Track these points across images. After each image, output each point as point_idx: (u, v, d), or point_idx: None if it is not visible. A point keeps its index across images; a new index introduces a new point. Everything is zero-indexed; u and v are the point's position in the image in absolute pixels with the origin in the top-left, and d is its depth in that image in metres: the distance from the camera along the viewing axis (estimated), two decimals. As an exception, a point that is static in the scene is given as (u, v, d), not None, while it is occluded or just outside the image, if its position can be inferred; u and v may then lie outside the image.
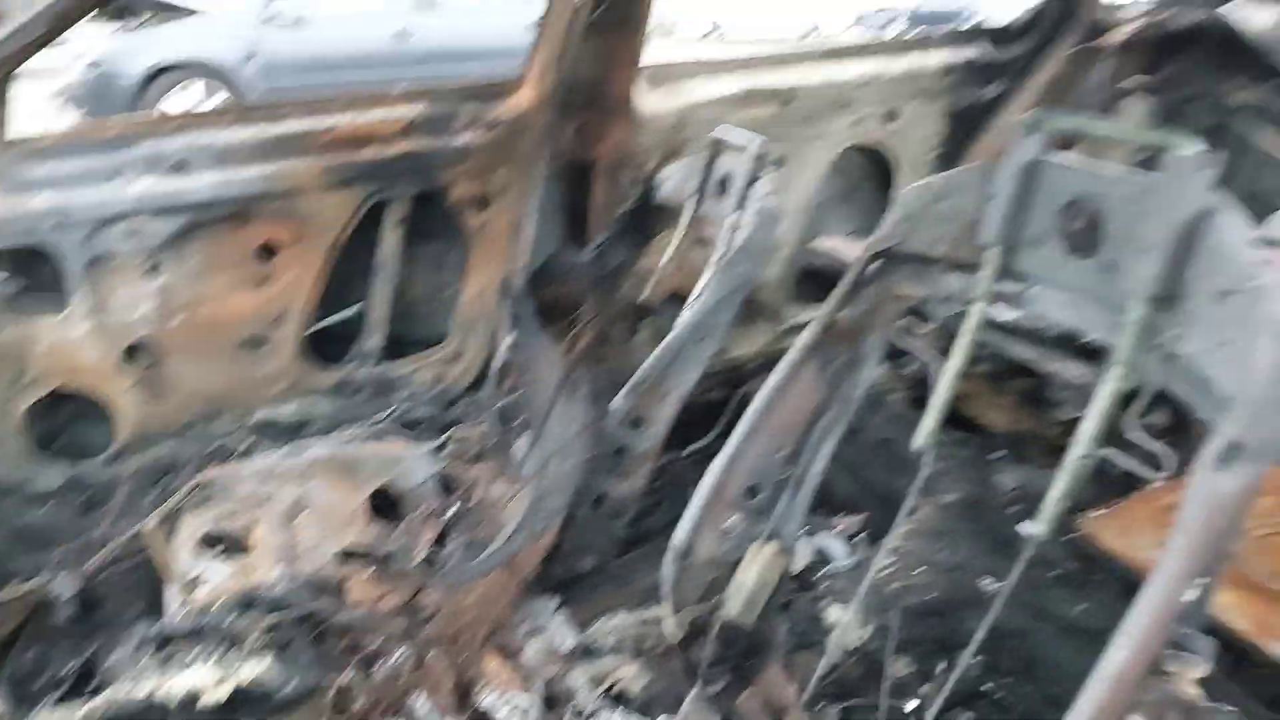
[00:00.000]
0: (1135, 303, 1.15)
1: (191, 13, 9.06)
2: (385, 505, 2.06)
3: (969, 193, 1.37)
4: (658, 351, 1.78)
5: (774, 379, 1.50)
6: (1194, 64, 2.85)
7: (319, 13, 8.84)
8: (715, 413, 2.05)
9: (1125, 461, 1.18)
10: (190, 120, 2.18)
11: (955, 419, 2.05)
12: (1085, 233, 1.22)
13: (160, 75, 8.36)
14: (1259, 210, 1.32)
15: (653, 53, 2.41)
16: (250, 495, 2.04)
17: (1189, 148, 1.12)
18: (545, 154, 2.38)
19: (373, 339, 2.40)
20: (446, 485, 2.12)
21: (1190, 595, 1.00)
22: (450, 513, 2.01)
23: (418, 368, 2.47)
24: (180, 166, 2.05)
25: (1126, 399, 1.22)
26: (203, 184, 2.07)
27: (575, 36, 2.27)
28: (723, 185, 2.01)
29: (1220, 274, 1.08)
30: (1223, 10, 2.80)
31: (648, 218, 2.23)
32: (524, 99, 2.37)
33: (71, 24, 1.83)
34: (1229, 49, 2.79)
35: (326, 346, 2.36)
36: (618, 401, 1.79)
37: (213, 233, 2.12)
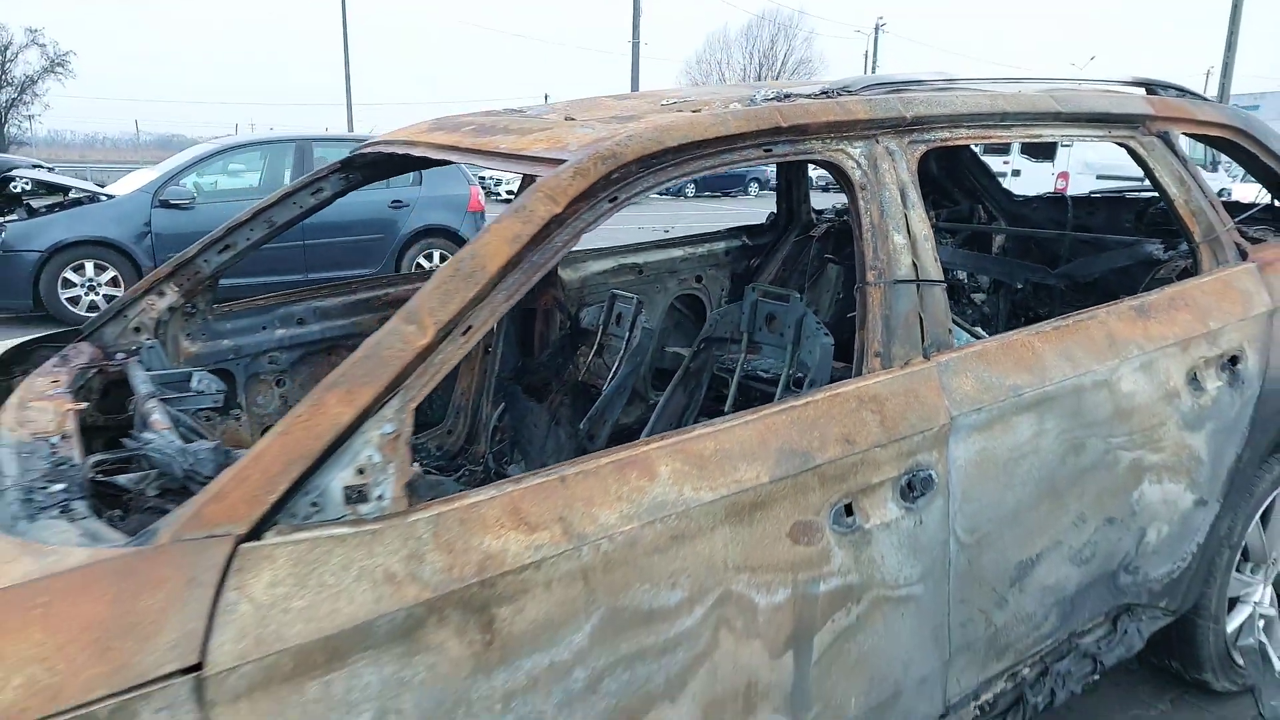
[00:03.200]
0: (789, 345, 3.00)
1: (95, 199, 10.04)
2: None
3: (733, 315, 3.20)
4: (599, 402, 3.43)
5: (668, 391, 3.22)
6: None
7: (208, 192, 10.19)
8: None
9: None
10: (308, 294, 3.67)
11: None
12: (775, 324, 3.08)
13: (59, 253, 9.29)
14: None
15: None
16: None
17: (794, 297, 3.00)
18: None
19: None
20: None
21: None
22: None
23: (427, 439, 3.97)
24: (301, 321, 3.54)
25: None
26: (313, 331, 3.56)
27: (523, 240, 4.01)
28: (618, 319, 3.75)
29: (804, 328, 2.95)
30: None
31: (574, 338, 3.93)
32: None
33: None
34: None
35: None
36: (581, 425, 3.42)
37: (316, 360, 3.59)
